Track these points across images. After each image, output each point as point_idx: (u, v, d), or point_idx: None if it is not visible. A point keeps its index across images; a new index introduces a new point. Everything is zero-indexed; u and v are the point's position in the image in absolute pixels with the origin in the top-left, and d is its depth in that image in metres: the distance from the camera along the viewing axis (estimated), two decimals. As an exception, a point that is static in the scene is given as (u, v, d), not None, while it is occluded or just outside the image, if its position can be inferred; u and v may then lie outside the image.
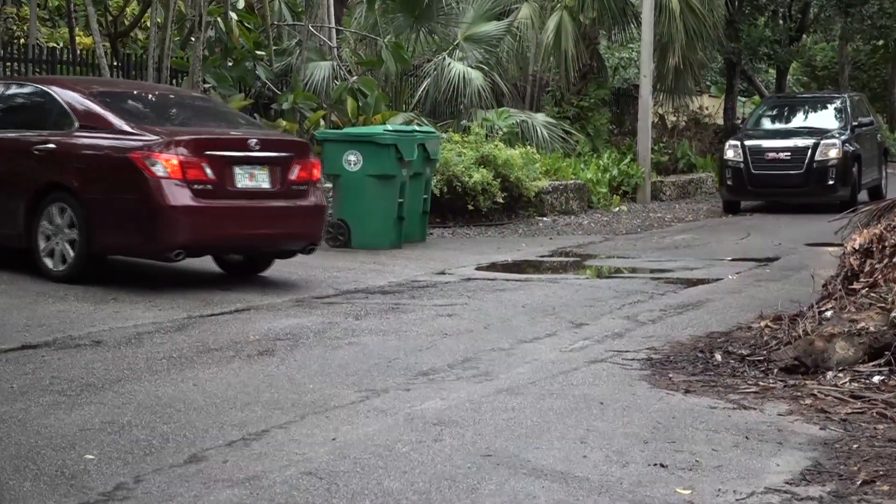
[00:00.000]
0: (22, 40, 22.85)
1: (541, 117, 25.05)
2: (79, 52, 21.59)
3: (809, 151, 23.12)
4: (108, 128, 12.02)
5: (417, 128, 18.20)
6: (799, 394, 8.07)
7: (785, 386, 8.28)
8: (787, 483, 6.16)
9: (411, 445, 6.66)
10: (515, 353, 9.43)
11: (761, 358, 8.92)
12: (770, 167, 23.23)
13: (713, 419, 7.44)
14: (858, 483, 6.13)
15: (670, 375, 8.64)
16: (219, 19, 21.04)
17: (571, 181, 23.07)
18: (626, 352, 9.50)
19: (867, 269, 9.56)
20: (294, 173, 12.50)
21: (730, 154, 23.63)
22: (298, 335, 9.88)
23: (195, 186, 11.67)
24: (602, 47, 30.20)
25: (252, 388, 7.93)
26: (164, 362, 8.67)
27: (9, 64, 20.00)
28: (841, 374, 8.33)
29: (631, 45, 33.63)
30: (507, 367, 8.84)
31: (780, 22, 35.45)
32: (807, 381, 8.32)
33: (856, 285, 9.45)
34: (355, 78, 22.41)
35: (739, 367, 8.86)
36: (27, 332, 9.59)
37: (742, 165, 23.31)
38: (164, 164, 11.49)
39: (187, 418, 7.11)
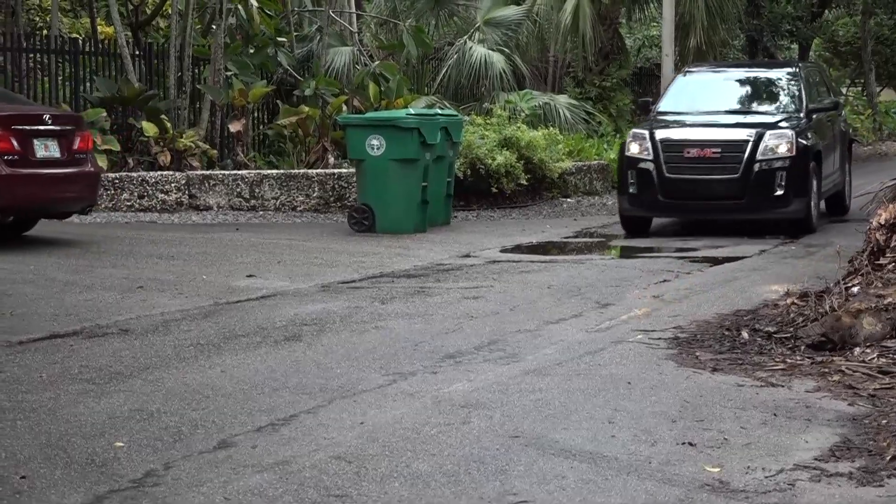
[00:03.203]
0: (44, 31, 22.92)
1: (563, 99, 24.99)
2: (101, 41, 21.62)
3: (749, 147, 15.95)
4: None
5: (440, 111, 18.18)
6: (826, 370, 8.05)
7: (812, 363, 8.26)
8: (816, 459, 6.15)
9: (439, 428, 6.67)
10: (542, 334, 9.42)
11: (788, 335, 8.90)
12: (691, 169, 16.13)
13: (741, 397, 7.43)
14: (888, 458, 6.11)
15: (697, 354, 8.63)
16: (240, 6, 21.06)
17: (595, 162, 23.03)
18: (652, 331, 9.48)
19: (893, 244, 9.52)
20: (76, 144, 14.20)
21: (634, 149, 16.46)
22: (325, 320, 9.89)
23: (6, 157, 13.36)
24: (623, 27, 30.10)
25: (280, 374, 7.95)
26: (192, 349, 8.69)
27: (32, 55, 20.06)
28: (868, 350, 8.30)
29: (654, 24, 33.49)
30: (533, 349, 8.84)
31: (802, -2, 35.29)
32: (834, 358, 8.29)
33: (882, 261, 9.42)
34: (377, 62, 22.42)
35: (766, 344, 8.84)
36: (55, 321, 9.63)
37: (651, 166, 16.21)
38: None
39: (216, 404, 7.14)
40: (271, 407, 7.09)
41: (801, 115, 16.93)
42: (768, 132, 16.11)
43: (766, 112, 17.36)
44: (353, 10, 24.34)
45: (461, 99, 24.22)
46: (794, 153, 15.96)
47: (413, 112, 17.02)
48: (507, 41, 25.24)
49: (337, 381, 7.75)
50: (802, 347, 8.59)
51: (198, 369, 8.08)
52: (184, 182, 18.49)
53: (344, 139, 17.77)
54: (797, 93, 17.52)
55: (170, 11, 22.22)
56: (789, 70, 18.55)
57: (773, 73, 18.76)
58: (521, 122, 21.36)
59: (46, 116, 14.09)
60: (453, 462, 6.05)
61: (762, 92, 18.20)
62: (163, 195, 18.32)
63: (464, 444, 6.35)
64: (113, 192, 18.05)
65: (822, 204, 17.82)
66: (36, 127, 13.78)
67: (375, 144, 16.09)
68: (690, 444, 6.40)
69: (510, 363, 8.36)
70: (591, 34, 25.45)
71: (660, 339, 9.19)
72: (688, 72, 19.29)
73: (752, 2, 31.62)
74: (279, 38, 22.02)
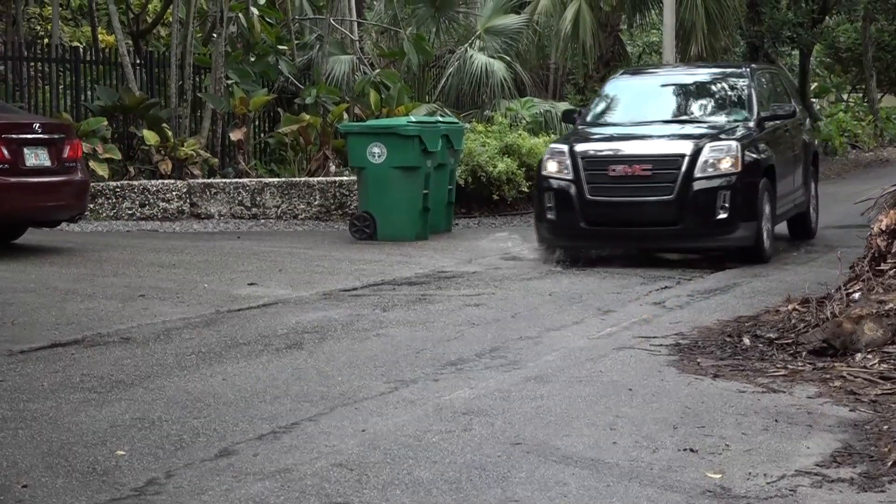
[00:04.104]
0: (45, 40, 22.93)
1: (564, 106, 24.97)
2: (102, 50, 21.65)
3: (685, 162, 13.51)
4: None
5: (441, 118, 18.19)
6: (828, 376, 8.05)
7: (814, 368, 8.26)
8: (817, 465, 6.15)
9: (441, 435, 6.67)
10: (543, 341, 9.43)
11: (789, 341, 8.91)
12: (617, 190, 13.75)
13: (742, 403, 7.43)
14: (889, 464, 6.11)
15: (699, 360, 8.63)
16: (240, 15, 21.10)
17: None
18: (653, 337, 9.49)
19: (894, 250, 9.52)
20: (66, 152, 14.19)
21: (551, 167, 14.08)
22: (326, 328, 9.90)
23: None
24: (624, 33, 30.14)
25: (281, 382, 7.95)
26: (193, 357, 8.70)
27: (33, 64, 20.08)
28: (870, 356, 8.30)
29: (654, 31, 33.53)
30: (535, 356, 8.84)
31: (803, 4, 35.30)
32: (835, 364, 8.30)
33: (883, 266, 9.42)
34: (378, 70, 22.44)
35: (768, 350, 8.84)
36: (56, 330, 9.63)
37: (572, 187, 13.85)
38: None
39: (217, 412, 7.14)
40: (273, 415, 7.09)
41: (751, 124, 14.64)
42: (708, 144, 13.67)
43: (708, 121, 14.86)
44: (354, 18, 24.36)
45: (462, 106, 24.25)
46: (739, 169, 13.53)
47: (414, 120, 17.03)
48: (507, 49, 25.27)
49: (338, 389, 7.75)
50: (804, 353, 8.59)
51: (199, 377, 8.08)
52: (185, 190, 18.50)
53: (345, 147, 17.77)
54: (747, 99, 15.12)
55: (171, 20, 22.25)
56: (739, 72, 15.88)
57: (719, 77, 16.05)
58: (522, 130, 21.39)
59: (36, 125, 14.18)
60: (455, 469, 6.05)
61: (706, 98, 15.60)
62: (164, 203, 18.32)
63: (465, 452, 6.35)
64: (114, 200, 18.05)
65: (786, 226, 16.16)
66: (26, 135, 13.81)
67: (376, 152, 16.09)
68: (692, 450, 6.40)
69: (511, 370, 8.36)
70: (592, 41, 25.47)
71: (661, 345, 9.19)
72: (622, 76, 16.93)
73: (753, 8, 31.63)
74: (280, 47, 22.06)
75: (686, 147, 13.67)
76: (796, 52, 38.77)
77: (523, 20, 26.00)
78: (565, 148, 14.13)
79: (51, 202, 14.10)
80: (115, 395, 7.55)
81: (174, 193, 18.41)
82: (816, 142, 18.80)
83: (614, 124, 15.23)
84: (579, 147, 14.06)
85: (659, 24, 28.31)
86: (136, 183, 18.45)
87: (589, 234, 14.05)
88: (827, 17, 39.53)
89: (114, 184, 18.19)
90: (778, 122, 15.14)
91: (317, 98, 20.92)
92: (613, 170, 13.70)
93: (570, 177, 13.86)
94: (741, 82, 15.44)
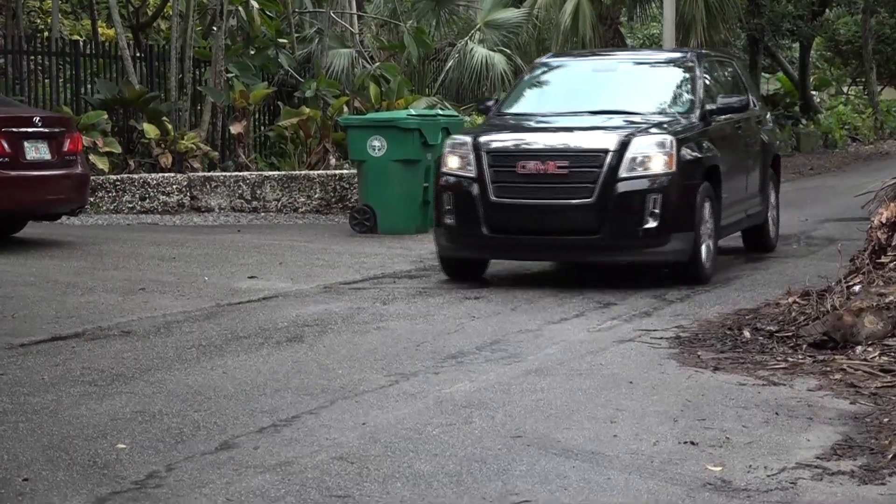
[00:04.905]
0: (45, 33, 22.93)
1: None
2: (102, 43, 21.63)
3: (608, 159, 11.35)
4: None
5: (441, 112, 18.19)
6: (828, 369, 8.05)
7: (814, 361, 8.26)
8: (817, 458, 6.15)
9: (441, 428, 6.67)
10: (543, 334, 9.43)
11: (790, 334, 8.90)
12: (527, 191, 11.57)
13: (743, 396, 7.43)
14: (890, 457, 6.10)
15: (699, 353, 8.63)
16: (240, 8, 21.09)
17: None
18: (654, 330, 9.49)
19: (895, 242, 9.52)
20: (66, 145, 14.22)
21: (452, 162, 11.91)
22: (327, 321, 9.90)
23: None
24: (624, 26, 30.13)
25: (281, 375, 7.95)
26: (194, 351, 8.70)
27: (33, 57, 20.07)
28: (870, 349, 8.30)
29: (654, 24, 33.52)
30: (535, 349, 8.84)
31: (803, -4, 35.31)
32: (836, 356, 8.29)
33: (883, 259, 9.41)
34: (378, 63, 22.43)
35: (768, 343, 8.84)
36: (57, 323, 9.64)
37: (474, 186, 11.64)
38: None
39: (217, 406, 7.14)
40: (273, 408, 7.09)
41: (693, 117, 12.37)
42: (637, 139, 11.49)
43: (642, 113, 12.40)
44: (354, 11, 24.34)
45: (462, 100, 24.25)
46: (674, 168, 11.42)
47: (414, 113, 17.02)
48: (507, 42, 25.25)
49: (339, 382, 7.76)
50: (804, 346, 8.59)
51: (200, 371, 8.08)
52: (185, 184, 18.49)
53: (345, 140, 17.75)
54: (690, 88, 12.85)
55: (171, 13, 22.24)
56: (684, 59, 13.61)
57: (662, 64, 13.95)
58: (522, 123, 21.31)
59: (36, 118, 14.19)
60: (455, 462, 6.05)
61: (644, 87, 13.20)
62: (164, 197, 18.32)
63: (466, 445, 6.35)
64: (114, 194, 18.05)
65: (740, 239, 14.19)
66: (26, 129, 13.84)
67: (377, 145, 16.09)
68: (692, 443, 6.40)
69: (512, 363, 8.36)
70: (592, 34, 25.45)
71: (662, 338, 9.19)
72: (550, 59, 14.67)
73: (753, 1, 31.62)
74: (280, 40, 22.05)
75: (610, 141, 11.46)
76: (796, 45, 38.73)
77: (523, 13, 26.00)
78: (468, 140, 11.91)
79: (51, 196, 14.12)
80: (115, 389, 7.56)
81: (174, 187, 18.41)
82: (778, 142, 16.13)
83: (532, 115, 12.97)
84: (484, 139, 11.85)
85: (659, 17, 28.28)
86: (136, 176, 18.44)
87: (492, 244, 11.76)
88: (827, 10, 39.53)
89: (114, 177, 18.19)
90: (728, 116, 12.91)
91: (317, 91, 20.91)
92: (523, 167, 11.49)
93: (472, 174, 11.65)
94: (685, 70, 13.16)
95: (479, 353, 8.67)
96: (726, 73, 14.24)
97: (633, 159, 11.37)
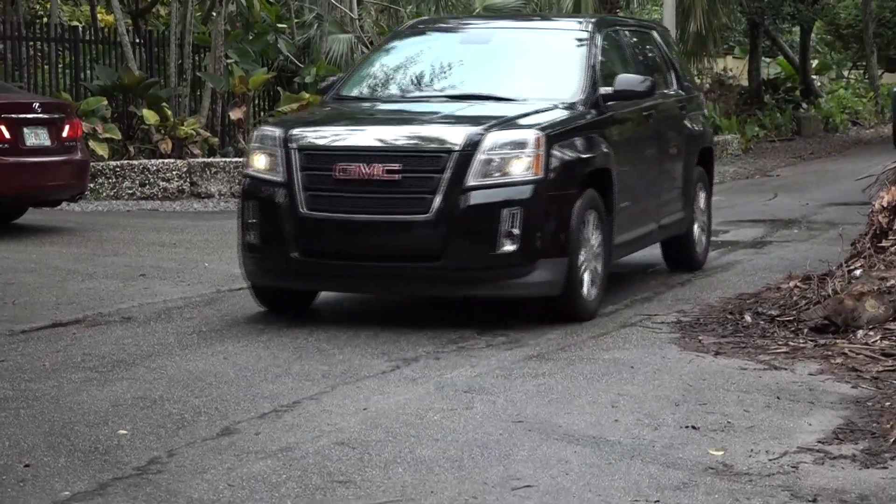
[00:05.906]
0: (44, 19, 22.90)
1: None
2: (101, 29, 21.60)
3: (454, 161, 8.74)
4: None
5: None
6: (829, 353, 8.05)
7: (815, 345, 8.25)
8: (819, 442, 6.15)
9: (443, 413, 6.67)
10: (545, 318, 9.40)
11: (791, 318, 8.90)
12: (347, 202, 8.90)
13: (744, 380, 7.42)
14: (891, 440, 6.11)
15: (700, 338, 8.62)
16: (240, -7, 21.05)
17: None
18: (655, 315, 9.48)
19: (896, 226, 9.51)
20: (66, 132, 14.21)
21: (259, 162, 9.25)
22: (327, 306, 9.89)
23: None
24: (624, 10, 30.07)
25: (282, 360, 7.95)
26: (194, 336, 8.69)
27: (32, 43, 20.04)
28: (871, 333, 8.30)
29: (654, 7, 33.48)
30: (536, 333, 8.83)
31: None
32: (837, 341, 8.29)
33: (884, 243, 9.40)
34: (377, 48, 22.37)
35: (769, 327, 8.83)
36: (57, 309, 9.63)
37: (282, 194, 9.02)
38: None
39: (218, 391, 7.14)
40: (274, 393, 7.09)
41: (578, 104, 9.70)
42: (492, 134, 8.85)
43: (513, 98, 9.80)
44: (354, -4, 24.29)
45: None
46: (540, 173, 8.82)
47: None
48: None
49: (340, 367, 7.75)
50: (805, 330, 8.58)
51: (200, 356, 8.08)
52: (185, 170, 18.47)
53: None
54: (578, 67, 9.97)
55: (170, -1, 22.22)
56: (576, 28, 10.80)
57: (548, 34, 10.97)
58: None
59: (36, 104, 14.19)
60: (456, 447, 6.05)
61: (520, 64, 10.41)
62: (164, 183, 18.30)
63: (467, 430, 6.35)
64: (114, 180, 18.02)
65: (657, 255, 11.88)
66: (26, 115, 13.83)
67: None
68: (694, 427, 6.40)
69: (513, 348, 8.35)
70: (592, 19, 25.32)
71: (663, 323, 9.19)
72: (411, 27, 11.60)
73: (754, -16, 31.59)
74: (279, 25, 22.02)
75: (455, 137, 8.85)
76: (797, 29, 38.66)
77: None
78: (277, 133, 9.24)
79: (51, 182, 14.12)
80: (116, 375, 7.55)
81: (174, 173, 18.38)
82: (711, 131, 13.19)
83: (373, 99, 10.36)
84: (297, 131, 9.19)
85: (659, 1, 28.23)
86: (135, 162, 18.42)
87: (302, 270, 9.08)
88: (827, -7, 39.44)
89: (114, 163, 18.16)
90: (633, 102, 10.26)
91: (316, 77, 20.86)
92: (342, 170, 8.85)
93: (279, 178, 9.04)
94: (577, 43, 10.31)
95: (480, 338, 8.64)
96: (643, 48, 11.57)
97: (487, 162, 8.76)
